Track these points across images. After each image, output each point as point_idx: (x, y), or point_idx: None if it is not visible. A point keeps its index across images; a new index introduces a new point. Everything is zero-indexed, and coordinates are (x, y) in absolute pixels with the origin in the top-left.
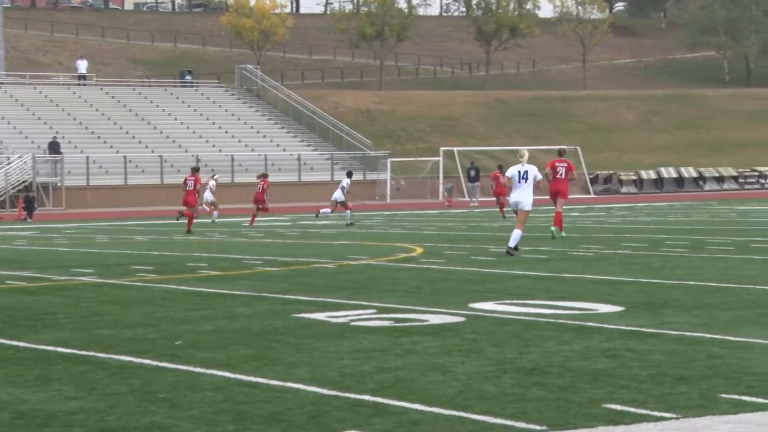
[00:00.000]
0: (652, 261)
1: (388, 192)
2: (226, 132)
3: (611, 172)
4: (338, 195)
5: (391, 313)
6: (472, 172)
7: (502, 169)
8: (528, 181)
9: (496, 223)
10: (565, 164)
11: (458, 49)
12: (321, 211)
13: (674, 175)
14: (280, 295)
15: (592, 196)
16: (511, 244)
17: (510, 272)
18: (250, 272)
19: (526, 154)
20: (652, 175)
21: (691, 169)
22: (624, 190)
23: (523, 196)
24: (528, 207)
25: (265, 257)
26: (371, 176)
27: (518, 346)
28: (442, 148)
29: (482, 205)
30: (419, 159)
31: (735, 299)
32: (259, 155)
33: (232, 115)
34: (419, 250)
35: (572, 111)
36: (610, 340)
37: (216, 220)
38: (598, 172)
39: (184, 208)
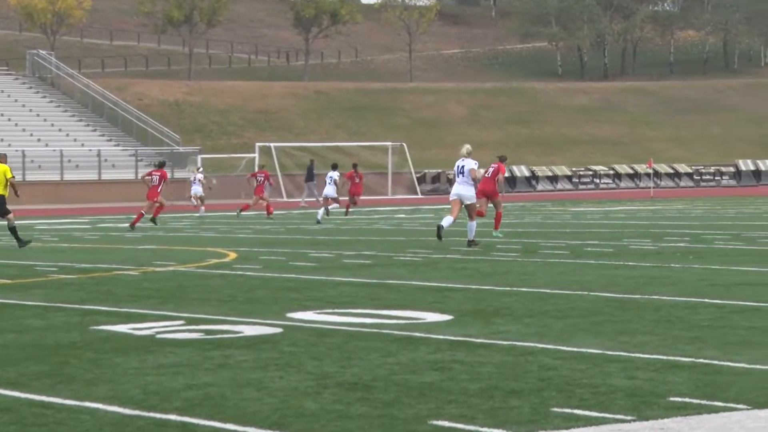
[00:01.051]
0: (482, 266)
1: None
2: (16, 125)
3: (439, 170)
4: (329, 191)
5: (202, 324)
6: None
7: (357, 168)
8: (464, 175)
9: (317, 226)
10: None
11: (275, 36)
12: (318, 216)
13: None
14: (77, 306)
15: (420, 196)
16: (471, 237)
17: (331, 279)
18: (43, 280)
19: (463, 149)
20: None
21: (523, 167)
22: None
23: (461, 189)
24: (470, 201)
25: (60, 263)
26: (180, 174)
27: (340, 359)
28: (257, 144)
29: (311, 206)
30: (233, 156)
31: (568, 306)
32: (54, 151)
33: (23, 105)
34: (232, 255)
35: (398, 104)
36: (438, 351)
37: (202, 215)
38: (426, 171)
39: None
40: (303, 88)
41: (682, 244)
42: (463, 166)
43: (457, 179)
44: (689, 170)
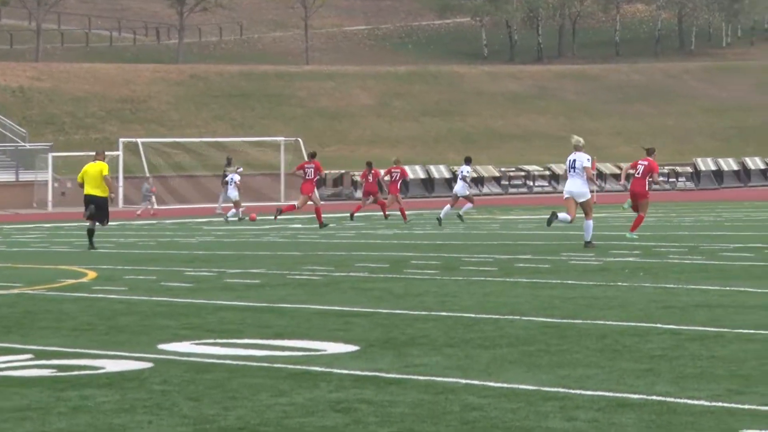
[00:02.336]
0: (394, 286)
1: (50, 198)
2: None
3: (342, 171)
4: (460, 189)
5: (54, 358)
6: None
7: (371, 166)
8: (576, 170)
9: (194, 238)
10: (646, 163)
11: (142, 9)
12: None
13: (422, 175)
14: None
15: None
16: (587, 238)
17: (212, 302)
18: None
19: (573, 140)
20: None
21: (442, 167)
22: (359, 194)
23: (574, 186)
24: (584, 198)
25: None
26: (26, 177)
27: (222, 399)
28: (122, 140)
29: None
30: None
31: (497, 334)
32: None
33: None
34: (92, 274)
35: (291, 91)
36: (341, 389)
37: (233, 218)
38: (327, 172)
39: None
40: (177, 71)
41: (630, 259)
42: (574, 161)
43: (569, 174)
44: None
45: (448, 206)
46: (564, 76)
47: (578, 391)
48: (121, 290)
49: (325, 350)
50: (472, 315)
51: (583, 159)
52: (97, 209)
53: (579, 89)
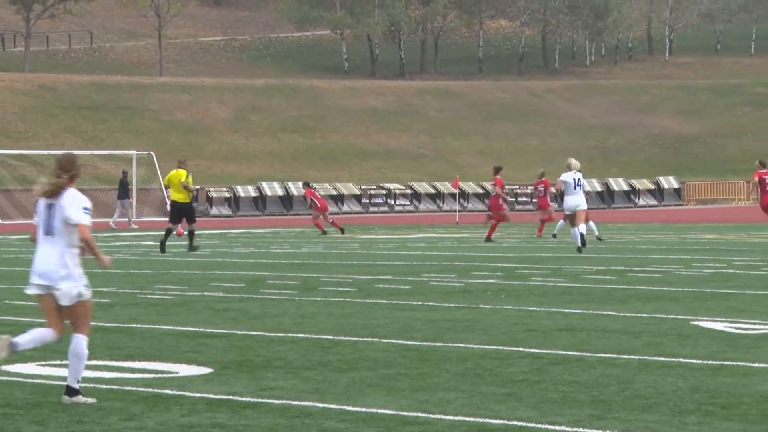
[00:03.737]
0: (250, 306)
1: None
2: None
3: (197, 187)
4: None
5: None
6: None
7: (310, 186)
8: (581, 187)
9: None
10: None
11: None
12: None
13: (280, 192)
14: None
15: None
16: (579, 243)
17: None
18: None
19: (572, 162)
20: (251, 191)
21: (301, 184)
22: (215, 211)
23: (579, 200)
24: (584, 207)
25: None
26: None
27: (69, 422)
28: None
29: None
30: None
31: (355, 357)
32: None
33: None
34: None
35: (144, 104)
36: (194, 413)
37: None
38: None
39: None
40: (23, 80)
41: (493, 281)
42: (580, 179)
43: (573, 191)
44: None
45: (562, 221)
46: (427, 92)
47: (438, 416)
48: None
49: (177, 372)
50: (330, 337)
51: (581, 177)
52: (181, 213)
53: (442, 106)
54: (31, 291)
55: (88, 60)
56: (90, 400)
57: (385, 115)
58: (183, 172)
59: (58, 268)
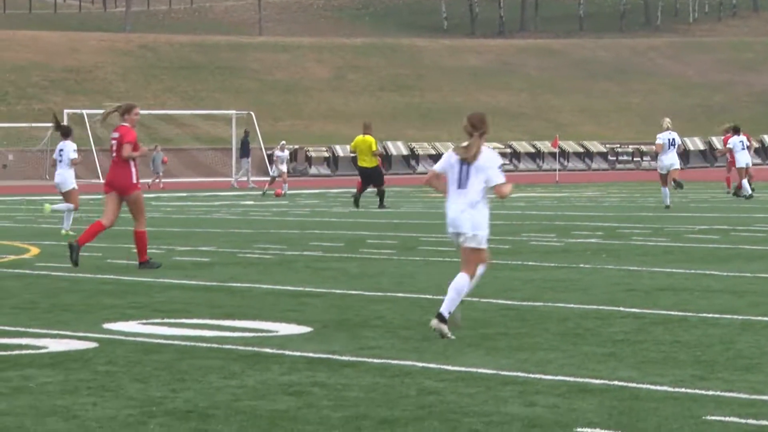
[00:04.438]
0: (349, 266)
1: None
2: None
3: (296, 146)
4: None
5: None
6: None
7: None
8: (675, 147)
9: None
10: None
11: None
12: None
13: (380, 150)
14: None
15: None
16: (667, 202)
17: (160, 281)
18: None
19: (665, 123)
20: (350, 152)
21: (400, 144)
22: (314, 170)
23: (674, 158)
24: (677, 167)
25: None
26: None
27: (170, 380)
28: (66, 111)
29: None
30: (34, 125)
31: None
32: None
33: None
34: (35, 250)
35: (244, 63)
36: (294, 371)
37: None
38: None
39: None
40: (124, 41)
41: (593, 240)
42: (674, 139)
43: (669, 150)
44: (603, 149)
45: (745, 181)
46: (526, 51)
47: (538, 376)
48: (64, 267)
49: (277, 331)
50: (430, 296)
51: (676, 136)
52: (370, 178)
53: (542, 65)
54: (450, 236)
55: (188, 20)
56: (451, 336)
57: (484, 74)
58: (370, 139)
59: (468, 216)
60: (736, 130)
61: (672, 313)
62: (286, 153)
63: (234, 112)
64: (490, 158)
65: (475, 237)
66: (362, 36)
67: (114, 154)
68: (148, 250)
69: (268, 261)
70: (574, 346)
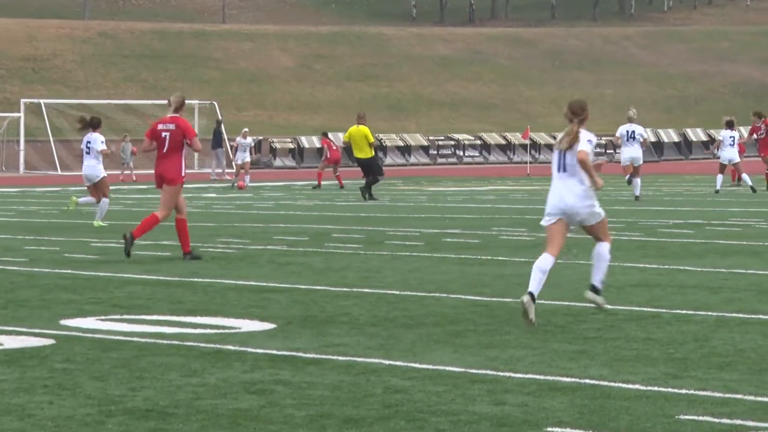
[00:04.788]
0: (314, 261)
1: None
2: None
3: (261, 137)
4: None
5: None
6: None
7: (328, 136)
8: (635, 139)
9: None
10: None
11: None
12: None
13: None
14: None
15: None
16: (636, 192)
17: (119, 276)
18: None
19: (630, 113)
20: (316, 142)
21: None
22: (278, 162)
23: (634, 152)
24: (639, 162)
25: None
26: None
27: (129, 378)
28: (23, 101)
29: (220, 179)
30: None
31: (422, 312)
32: None
33: None
34: None
35: (207, 52)
36: (256, 369)
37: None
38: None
39: None
40: (83, 28)
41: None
42: (633, 131)
43: (628, 143)
44: None
45: (720, 176)
46: (497, 40)
47: (508, 374)
48: (20, 261)
49: (239, 328)
50: (397, 292)
51: (640, 130)
52: (368, 169)
53: (513, 54)
54: (546, 222)
55: (149, 7)
56: (605, 306)
57: (454, 64)
58: (365, 129)
59: (577, 199)
60: (729, 125)
61: (645, 309)
62: (250, 140)
63: (197, 102)
64: (584, 136)
65: (593, 213)
66: (328, 24)
67: (165, 148)
68: (108, 244)
69: (230, 255)
70: (545, 343)
